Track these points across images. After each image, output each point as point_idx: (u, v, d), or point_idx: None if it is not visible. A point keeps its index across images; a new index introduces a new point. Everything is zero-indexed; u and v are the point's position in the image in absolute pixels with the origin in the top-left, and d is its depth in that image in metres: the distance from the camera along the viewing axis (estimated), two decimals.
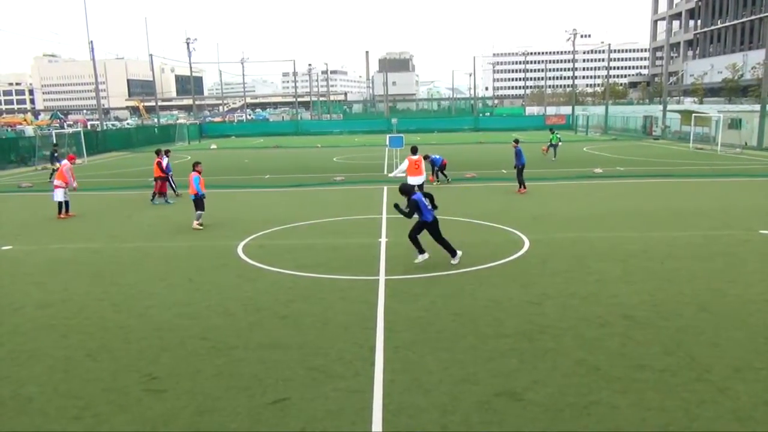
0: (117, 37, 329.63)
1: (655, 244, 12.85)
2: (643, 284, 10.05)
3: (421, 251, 11.34)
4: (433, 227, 11.29)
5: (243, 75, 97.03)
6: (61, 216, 17.79)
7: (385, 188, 22.32)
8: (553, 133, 34.30)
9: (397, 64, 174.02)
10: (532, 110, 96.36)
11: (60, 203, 17.91)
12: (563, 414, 5.90)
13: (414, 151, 18.48)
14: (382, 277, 10.68)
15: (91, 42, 56.23)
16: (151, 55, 71.22)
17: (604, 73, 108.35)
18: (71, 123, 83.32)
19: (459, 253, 11.49)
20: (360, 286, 10.28)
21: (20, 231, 15.94)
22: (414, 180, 17.55)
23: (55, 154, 27.68)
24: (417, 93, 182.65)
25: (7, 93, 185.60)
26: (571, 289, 9.83)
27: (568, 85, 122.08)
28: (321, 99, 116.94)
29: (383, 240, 13.74)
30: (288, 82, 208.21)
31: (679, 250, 12.30)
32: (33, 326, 8.72)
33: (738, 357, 7.11)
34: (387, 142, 28.36)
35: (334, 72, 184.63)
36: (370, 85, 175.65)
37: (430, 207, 11.71)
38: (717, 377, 6.60)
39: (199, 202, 15.66)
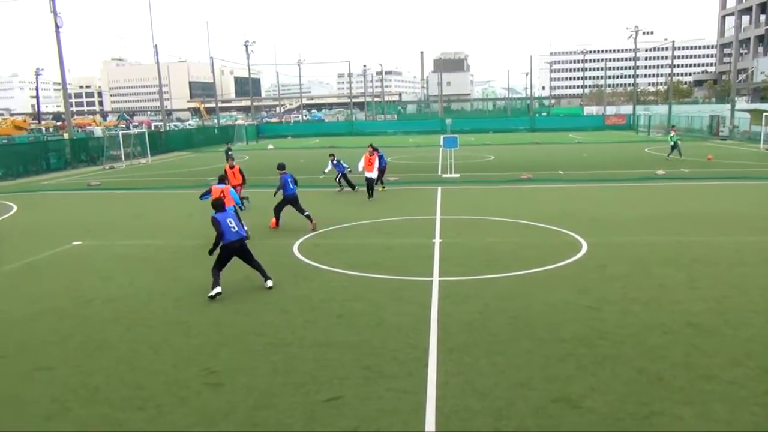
0: (180, 41, 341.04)
1: (722, 249, 12.30)
2: (709, 291, 9.64)
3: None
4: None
5: (299, 76, 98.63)
6: None
7: (439, 189, 22.23)
8: (672, 133, 33.36)
9: (452, 64, 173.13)
10: (591, 110, 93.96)
11: None
12: (623, 423, 5.73)
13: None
14: (435, 278, 10.64)
15: (156, 46, 58.45)
16: (212, 58, 73.39)
17: (667, 71, 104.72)
18: (136, 124, 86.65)
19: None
20: (413, 286, 10.27)
21: (89, 227, 16.68)
22: (368, 174, 20.15)
23: (230, 152, 26.77)
24: (472, 93, 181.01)
25: (78, 96, 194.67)
26: (631, 295, 9.53)
27: (629, 84, 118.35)
28: (375, 100, 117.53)
29: (437, 241, 13.68)
30: (343, 83, 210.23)
31: (749, 256, 11.73)
32: (100, 319, 9.12)
33: None
34: (441, 143, 28.21)
35: (388, 73, 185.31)
36: (425, 85, 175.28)
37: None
38: None
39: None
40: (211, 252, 10.05)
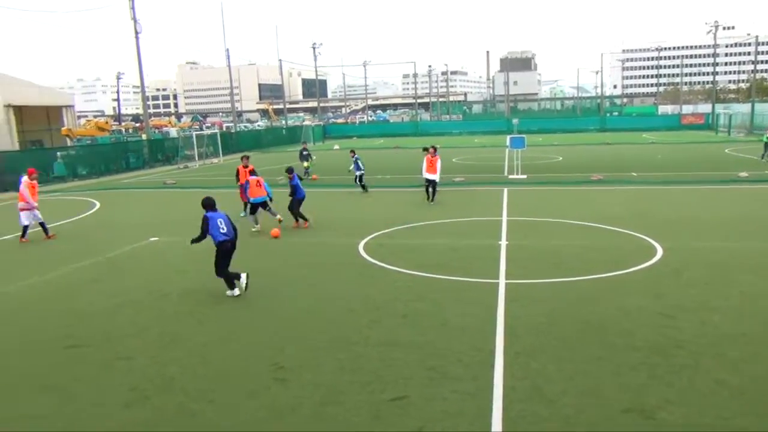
0: (250, 45, 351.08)
1: None
2: None
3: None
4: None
5: (365, 77, 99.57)
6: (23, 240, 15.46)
7: (506, 190, 21.89)
8: (767, 133, 31.90)
9: (519, 64, 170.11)
10: (666, 109, 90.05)
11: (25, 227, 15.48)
12: None
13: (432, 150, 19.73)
14: (502, 281, 10.48)
15: (228, 50, 60.40)
16: (280, 61, 75.20)
17: (750, 67, 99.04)
18: (209, 125, 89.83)
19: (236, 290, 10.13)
20: (479, 288, 10.17)
21: (165, 224, 17.42)
22: (429, 176, 19.35)
23: (305, 152, 28.69)
24: (539, 92, 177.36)
25: (155, 98, 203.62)
26: (710, 303, 9.07)
27: (707, 82, 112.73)
28: (440, 100, 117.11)
29: (503, 242, 13.47)
30: (408, 83, 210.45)
31: None
32: (175, 312, 9.51)
33: None
34: (508, 143, 27.79)
35: (453, 73, 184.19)
36: (491, 85, 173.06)
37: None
38: None
39: (253, 207, 15.82)
40: (192, 242, 10.34)
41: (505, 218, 16.46)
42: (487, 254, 12.43)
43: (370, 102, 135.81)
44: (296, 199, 16.09)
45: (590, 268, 11.04)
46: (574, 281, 10.40)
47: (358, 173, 22.88)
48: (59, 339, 8.46)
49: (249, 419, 6.05)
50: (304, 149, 29.14)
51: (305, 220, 15.98)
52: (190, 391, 6.70)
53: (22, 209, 15.42)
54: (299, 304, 9.66)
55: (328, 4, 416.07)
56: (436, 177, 19.46)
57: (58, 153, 34.51)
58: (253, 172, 16.72)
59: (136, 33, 40.51)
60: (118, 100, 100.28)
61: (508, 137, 28.92)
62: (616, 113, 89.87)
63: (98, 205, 22.17)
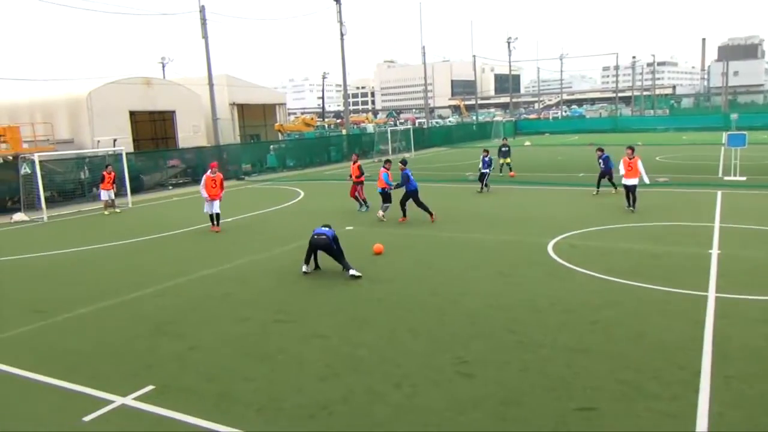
0: (444, 42, 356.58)
1: None
2: None
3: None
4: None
5: (561, 71, 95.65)
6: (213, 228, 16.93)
7: (719, 193, 19.57)
8: None
9: (741, 51, 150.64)
10: None
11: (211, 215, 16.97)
12: None
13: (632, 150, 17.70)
14: (711, 294, 9.41)
15: (423, 47, 62.02)
16: (474, 56, 75.32)
17: None
18: (402, 121, 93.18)
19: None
20: (683, 300, 9.24)
21: (360, 215, 18.50)
22: (629, 181, 17.23)
23: (504, 148, 27.76)
24: (765, 84, 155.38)
25: (354, 96, 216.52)
26: None
27: None
28: (645, 93, 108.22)
29: (715, 252, 12.07)
30: (608, 76, 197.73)
31: None
32: (366, 298, 10.05)
33: None
34: (724, 141, 24.82)
35: (661, 63, 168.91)
36: (705, 76, 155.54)
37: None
38: None
39: (386, 195, 17.29)
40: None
41: (717, 224, 14.73)
42: (695, 263, 11.24)
43: (565, 97, 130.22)
44: (408, 191, 16.86)
45: None
46: None
47: (484, 170, 22.61)
48: (272, 312, 9.44)
49: (431, 407, 6.19)
50: (504, 145, 28.38)
51: (412, 214, 16.89)
52: (377, 374, 7.04)
53: (206, 198, 16.65)
54: (486, 301, 9.62)
55: None
56: (636, 182, 17.13)
57: (271, 146, 38.44)
58: (359, 169, 19.30)
59: (342, 35, 43.38)
60: (322, 98, 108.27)
61: (726, 134, 25.81)
62: None
63: (302, 194, 24.23)
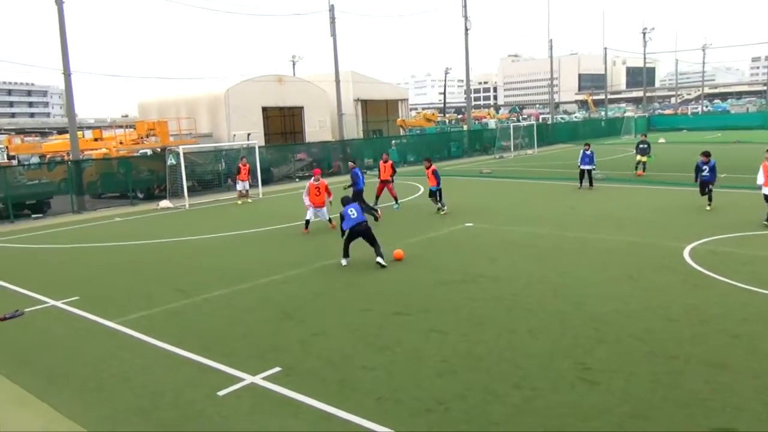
0: (573, 34, 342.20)
1: None
2: None
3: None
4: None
5: (703, 63, 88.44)
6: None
7: None
8: None
9: None
10: None
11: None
12: None
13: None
14: None
15: (551, 40, 59.94)
16: (605, 49, 71.61)
17: None
18: (526, 116, 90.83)
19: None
20: None
21: (479, 211, 18.30)
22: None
23: (642, 145, 26.07)
24: None
25: (476, 91, 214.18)
26: None
27: None
28: None
29: None
30: (758, 67, 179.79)
31: None
32: (485, 296, 9.94)
33: None
34: None
35: None
36: None
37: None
38: None
39: (438, 193, 18.01)
40: (342, 235, 12.14)
41: None
42: None
43: (706, 90, 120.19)
44: (356, 191, 17.72)
45: None
46: None
47: (585, 167, 22.00)
48: (391, 305, 9.63)
49: (550, 411, 6.01)
50: (643, 141, 26.40)
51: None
52: (496, 374, 6.95)
53: (308, 206, 16.04)
54: (613, 305, 9.16)
55: None
56: None
57: (393, 141, 39.05)
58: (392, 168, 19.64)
59: (466, 30, 43.05)
60: (444, 93, 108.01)
61: None
62: None
63: (421, 189, 24.38)
